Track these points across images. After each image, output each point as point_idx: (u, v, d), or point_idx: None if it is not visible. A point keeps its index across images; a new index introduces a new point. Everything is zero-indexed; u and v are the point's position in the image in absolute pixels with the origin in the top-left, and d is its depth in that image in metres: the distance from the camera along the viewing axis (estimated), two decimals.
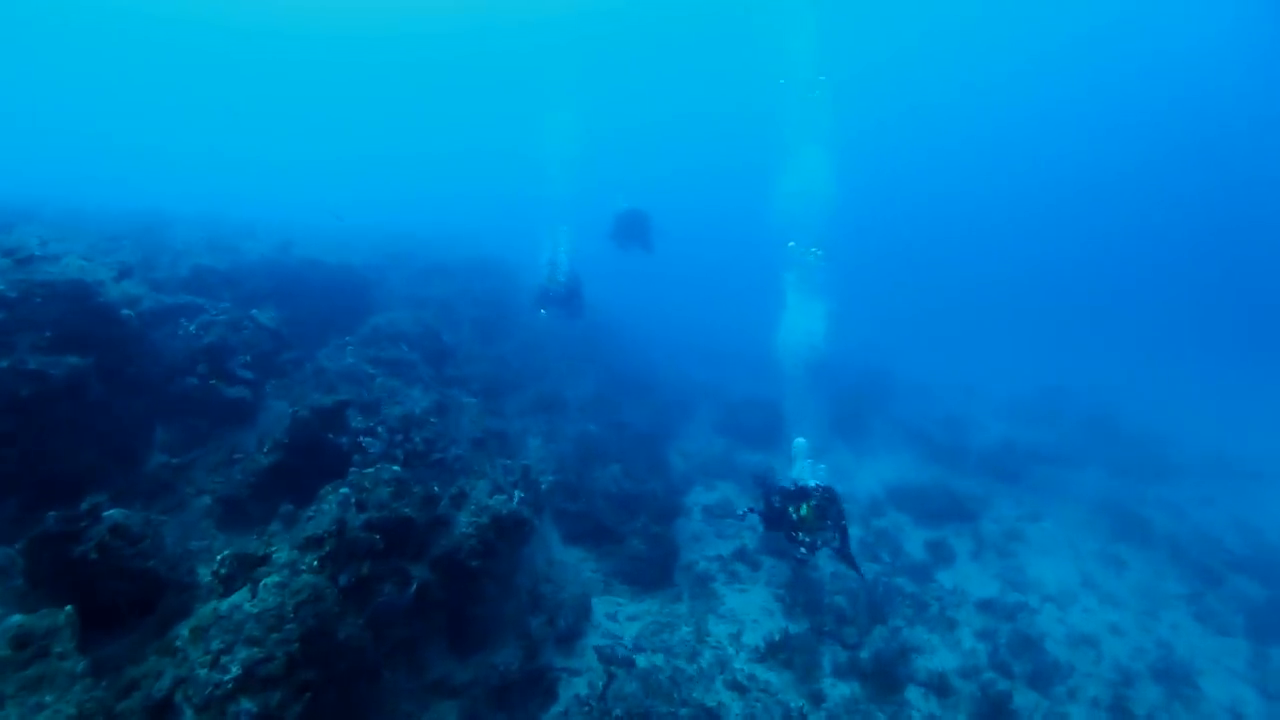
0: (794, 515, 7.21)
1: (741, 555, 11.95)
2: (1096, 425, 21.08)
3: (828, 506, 7.25)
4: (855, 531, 14.12)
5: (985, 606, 11.09)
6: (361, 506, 6.34)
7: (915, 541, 13.46)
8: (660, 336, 29.17)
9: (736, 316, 39.71)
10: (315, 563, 5.27)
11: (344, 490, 6.36)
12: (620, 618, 9.98)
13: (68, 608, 4.16)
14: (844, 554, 7.61)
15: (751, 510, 8.51)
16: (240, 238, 13.04)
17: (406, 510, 6.44)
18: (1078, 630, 10.75)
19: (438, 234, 21.67)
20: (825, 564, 12.10)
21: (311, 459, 7.57)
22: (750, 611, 10.50)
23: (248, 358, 8.38)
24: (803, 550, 7.21)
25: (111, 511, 5.11)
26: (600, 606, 10.01)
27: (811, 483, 7.49)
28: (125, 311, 6.90)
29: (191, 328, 8.32)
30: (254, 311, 9.38)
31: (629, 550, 11.04)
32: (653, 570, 10.88)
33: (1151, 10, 34.02)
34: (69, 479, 6.06)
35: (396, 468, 7.25)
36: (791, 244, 15.03)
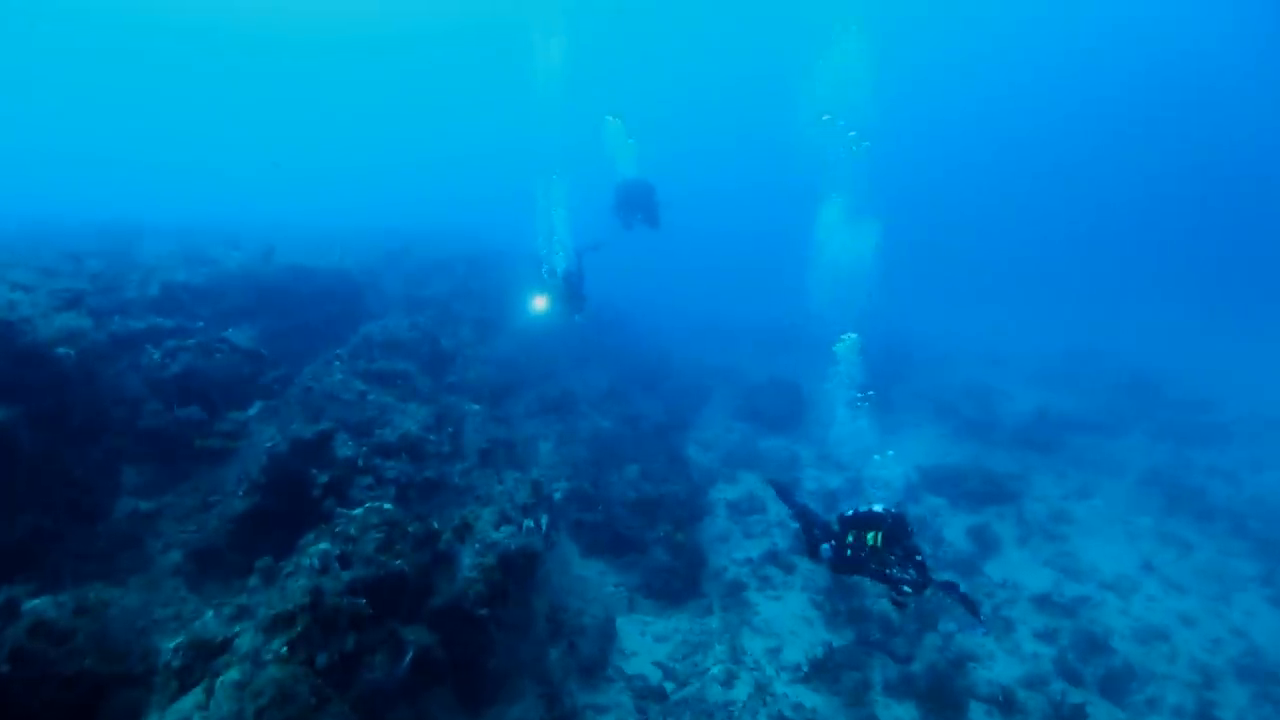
0: (865, 546, 5.84)
1: (773, 558, 11.01)
2: (1133, 388, 19.82)
3: (899, 534, 5.82)
4: None
5: (1042, 602, 10.09)
6: (345, 562, 5.40)
7: (956, 529, 12.45)
8: (671, 318, 28.05)
9: (748, 292, 38.50)
10: (284, 649, 4.34)
11: (323, 546, 5.42)
12: (648, 637, 9.10)
13: None
14: (952, 590, 5.99)
15: (820, 550, 6.49)
16: (222, 247, 12.03)
17: (398, 564, 5.49)
18: (1145, 623, 9.74)
19: (436, 229, 20.55)
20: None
21: (293, 499, 6.64)
22: (787, 622, 9.58)
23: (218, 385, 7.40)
24: (906, 589, 5.56)
25: (34, 603, 4.19)
26: (626, 627, 9.13)
27: (879, 506, 6.08)
28: (61, 350, 5.95)
29: (156, 356, 7.36)
30: (229, 332, 8.40)
31: (652, 561, 10.12)
32: (679, 581, 9.97)
33: None
34: (6, 550, 5.16)
35: (388, 505, 6.30)
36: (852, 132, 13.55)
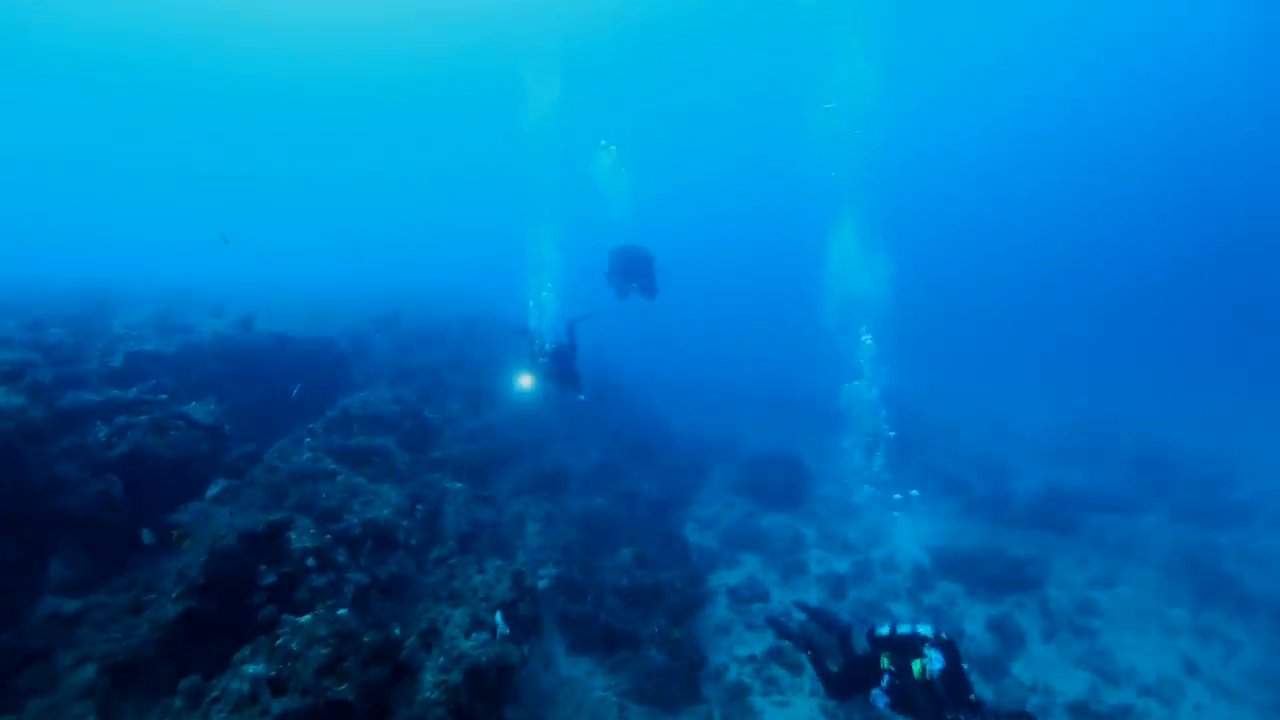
0: (906, 676, 4.81)
1: (778, 654, 9.93)
2: (1146, 462, 19.01)
3: (950, 666, 4.77)
4: (903, 610, 12.17)
5: (1079, 712, 9.00)
6: (279, 688, 4.55)
7: (975, 620, 11.40)
8: (669, 378, 27.46)
9: (749, 352, 38.12)
10: None
11: (255, 668, 4.58)
12: None
13: None
14: None
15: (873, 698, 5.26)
16: (203, 314, 11.56)
17: (342, 689, 4.63)
18: None
19: (431, 290, 20.20)
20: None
21: (238, 602, 5.80)
22: None
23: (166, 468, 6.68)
24: None
25: None
26: None
27: (925, 628, 5.09)
28: None
29: (102, 434, 6.68)
30: (190, 406, 7.74)
31: (646, 661, 9.07)
32: (675, 685, 8.89)
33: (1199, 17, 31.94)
34: None
35: (343, 611, 5.48)
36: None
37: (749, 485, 17.32)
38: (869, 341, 11.68)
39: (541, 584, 10.07)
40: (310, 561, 5.97)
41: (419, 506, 8.99)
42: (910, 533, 15.46)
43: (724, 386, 29.22)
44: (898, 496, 12.00)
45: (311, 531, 7.08)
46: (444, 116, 56.38)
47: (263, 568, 5.91)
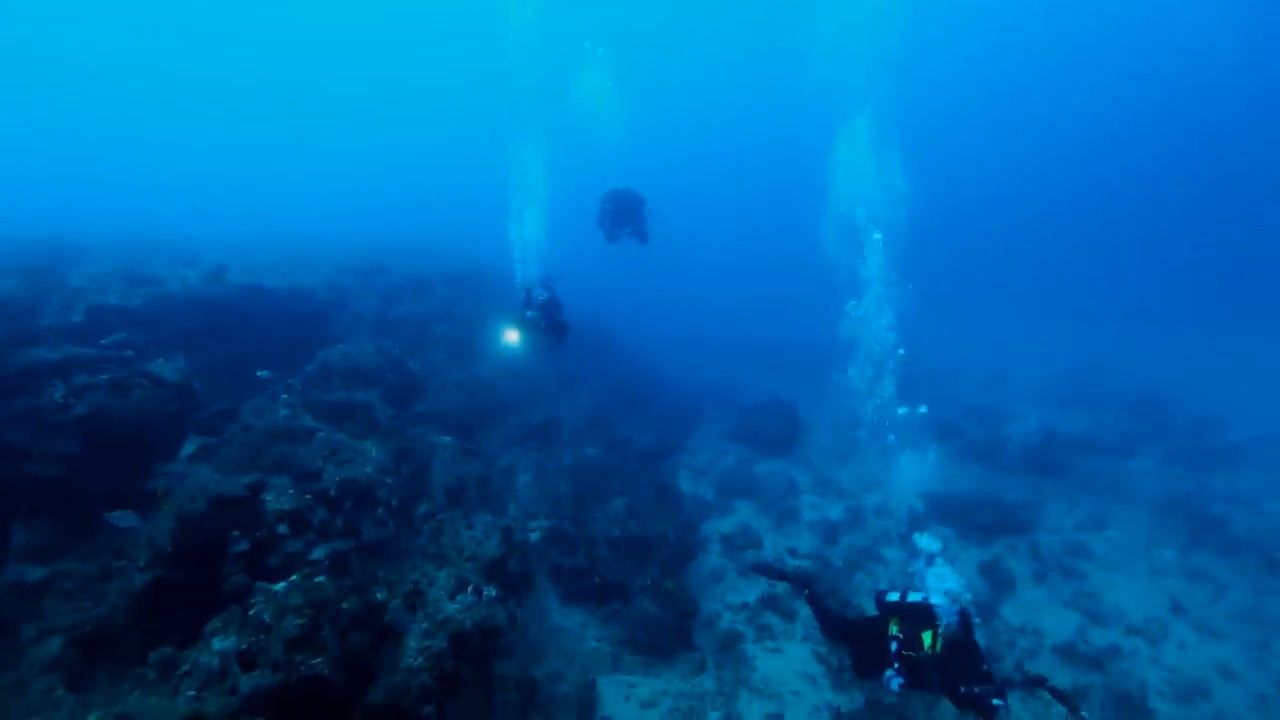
0: (916, 647, 4.63)
1: (771, 602, 9.92)
2: (1140, 406, 18.93)
3: (963, 637, 4.58)
4: (895, 555, 12.19)
5: (1067, 653, 9.06)
6: (249, 663, 4.31)
7: (967, 564, 11.41)
8: (661, 332, 27.04)
9: (741, 305, 37.54)
10: None
11: (225, 643, 4.34)
12: (634, 703, 7.99)
13: None
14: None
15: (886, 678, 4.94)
16: (173, 265, 10.96)
17: (317, 662, 4.40)
18: (1182, 676, 8.72)
19: (417, 242, 19.40)
20: (869, 604, 10.11)
21: (210, 569, 5.54)
22: (789, 680, 8.50)
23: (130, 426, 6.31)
24: (998, 703, 4.14)
25: None
26: (608, 691, 8.03)
27: (938, 598, 4.81)
28: None
29: (59, 395, 6.26)
30: (156, 363, 7.30)
31: (638, 612, 9.02)
32: (668, 635, 8.86)
33: None
34: None
35: (320, 578, 5.23)
36: None
37: (743, 432, 17.17)
38: (879, 238, 10.98)
39: (533, 537, 9.93)
40: (282, 528, 5.67)
41: (404, 464, 8.71)
42: (910, 469, 15.41)
43: (720, 334, 28.83)
44: (904, 411, 11.59)
45: (290, 492, 6.78)
46: (429, 55, 53.29)
47: (236, 533, 5.62)
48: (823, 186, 12.89)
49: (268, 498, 6.34)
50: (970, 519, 12.66)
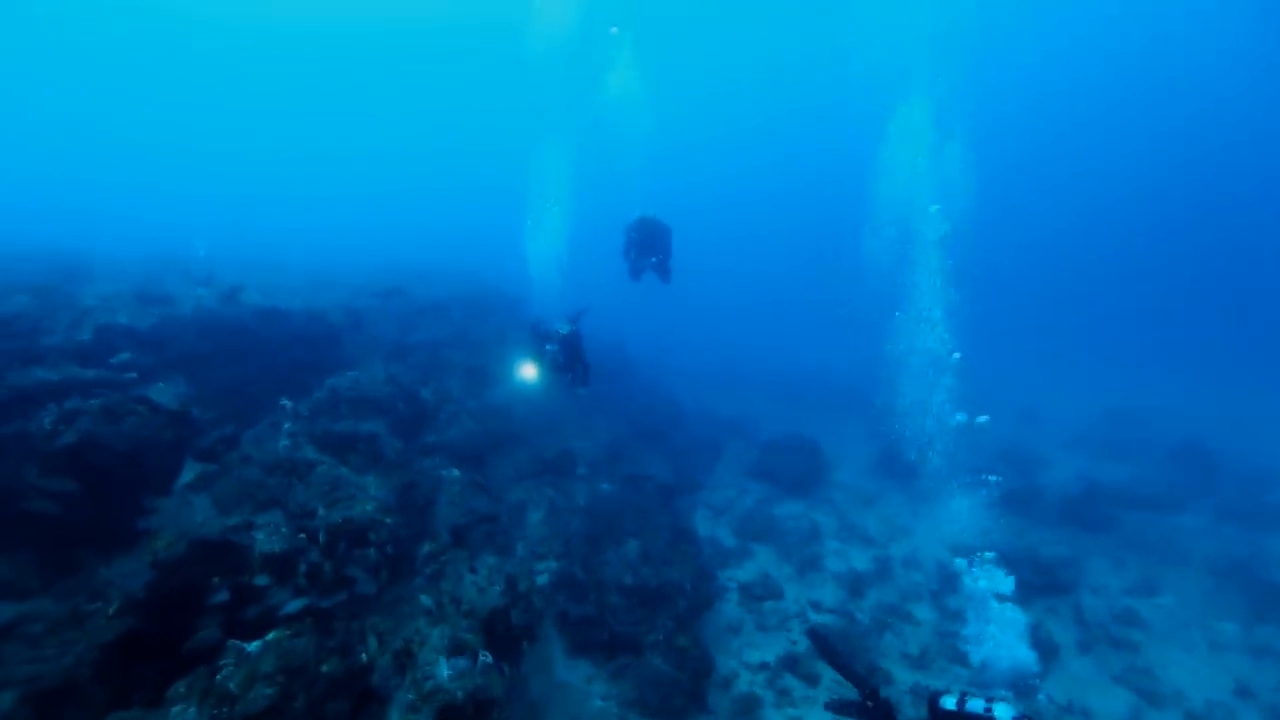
0: None
1: (792, 663, 9.16)
2: (1182, 456, 17.80)
3: None
4: (927, 615, 11.30)
5: None
6: None
7: (1007, 627, 10.49)
8: (678, 361, 26.52)
9: (759, 338, 36.89)
10: None
11: (184, 716, 3.84)
12: None
13: None
14: None
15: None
16: (188, 284, 10.79)
17: None
18: None
19: (436, 265, 19.27)
20: (898, 670, 9.30)
21: (185, 620, 5.07)
22: None
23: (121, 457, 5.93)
24: None
25: None
26: None
27: (1005, 710, 4.11)
28: None
29: (48, 421, 5.92)
30: (156, 387, 6.98)
31: (649, 669, 8.34)
32: (680, 696, 8.16)
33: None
34: None
35: (300, 639, 4.73)
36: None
37: (763, 469, 16.48)
38: (946, 228, 10.26)
39: (541, 580, 9.35)
40: (263, 579, 5.19)
41: (408, 500, 8.24)
42: (941, 517, 14.55)
43: (737, 364, 28.22)
44: (961, 418, 10.77)
45: (282, 531, 6.34)
46: (448, 78, 53.09)
47: (216, 580, 5.15)
48: (862, 190, 12.37)
49: (257, 537, 5.90)
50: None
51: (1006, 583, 7.70)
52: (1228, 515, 14.74)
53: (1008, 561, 12.05)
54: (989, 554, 8.27)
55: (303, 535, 6.46)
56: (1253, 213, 40.40)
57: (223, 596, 4.94)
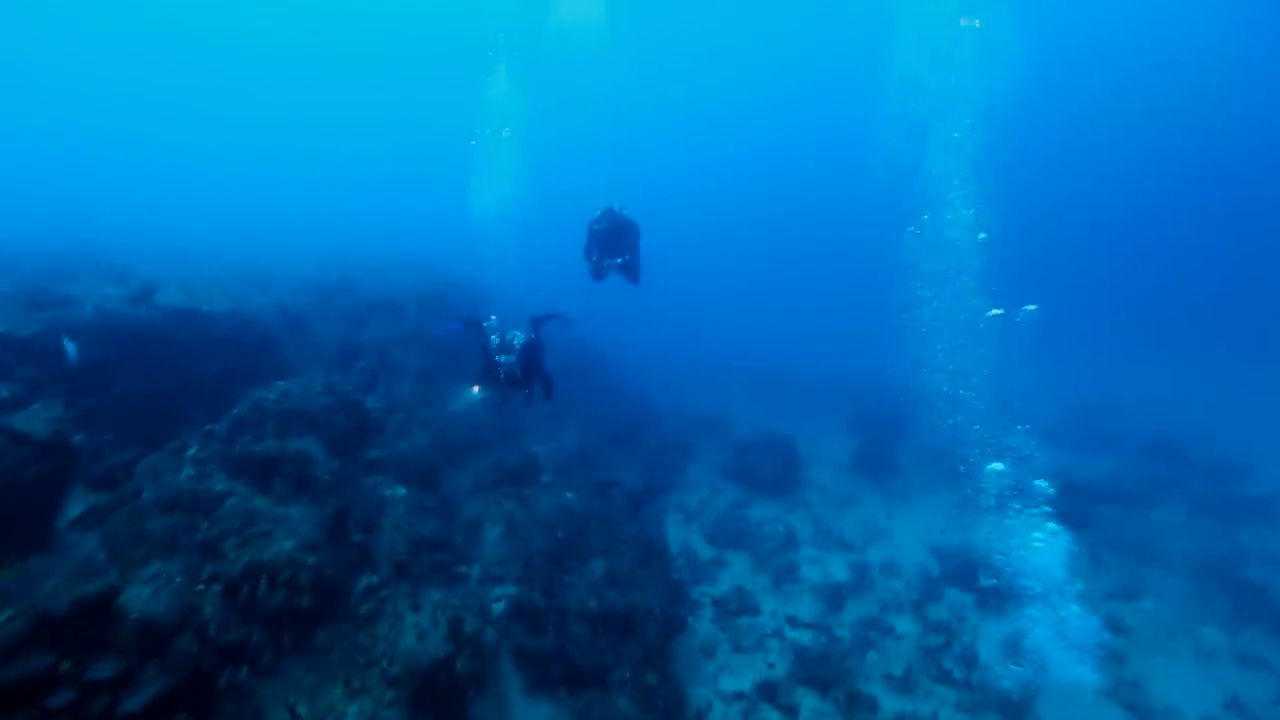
0: None
1: (769, 693, 8.43)
2: (1156, 449, 17.60)
3: None
4: (909, 627, 10.65)
5: None
6: None
7: (990, 639, 9.97)
8: (648, 355, 25.56)
9: (733, 328, 36.11)
10: None
11: None
12: None
13: None
14: None
15: None
16: (97, 281, 9.48)
17: None
18: None
19: (388, 257, 17.87)
20: (883, 696, 8.63)
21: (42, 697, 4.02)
22: None
23: None
24: None
25: None
26: None
27: None
28: None
29: None
30: (21, 414, 5.81)
31: (614, 710, 7.51)
32: None
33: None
34: None
35: None
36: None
37: (738, 469, 15.75)
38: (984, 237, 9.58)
39: (497, 607, 8.43)
40: (103, 669, 4.15)
41: (343, 529, 7.22)
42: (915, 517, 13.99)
43: (710, 357, 27.42)
44: (998, 311, 9.90)
45: (176, 582, 5.30)
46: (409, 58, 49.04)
47: (66, 665, 4.11)
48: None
49: (140, 595, 4.85)
50: (989, 583, 11.21)
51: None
52: (1201, 509, 14.49)
53: (987, 564, 11.56)
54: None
55: (200, 587, 5.43)
56: (1226, 204, 40.56)
57: (66, 698, 3.90)
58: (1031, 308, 9.45)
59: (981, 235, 10.01)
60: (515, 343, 7.17)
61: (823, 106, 46.00)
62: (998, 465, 9.72)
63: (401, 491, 8.77)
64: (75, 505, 6.49)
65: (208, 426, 7.45)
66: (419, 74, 49.04)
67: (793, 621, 10.19)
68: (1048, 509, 9.13)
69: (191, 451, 6.72)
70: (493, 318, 7.43)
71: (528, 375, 7.20)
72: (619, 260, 8.75)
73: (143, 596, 4.97)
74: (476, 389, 6.84)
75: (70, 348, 6.60)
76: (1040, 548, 9.05)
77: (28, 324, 7.49)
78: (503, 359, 7.03)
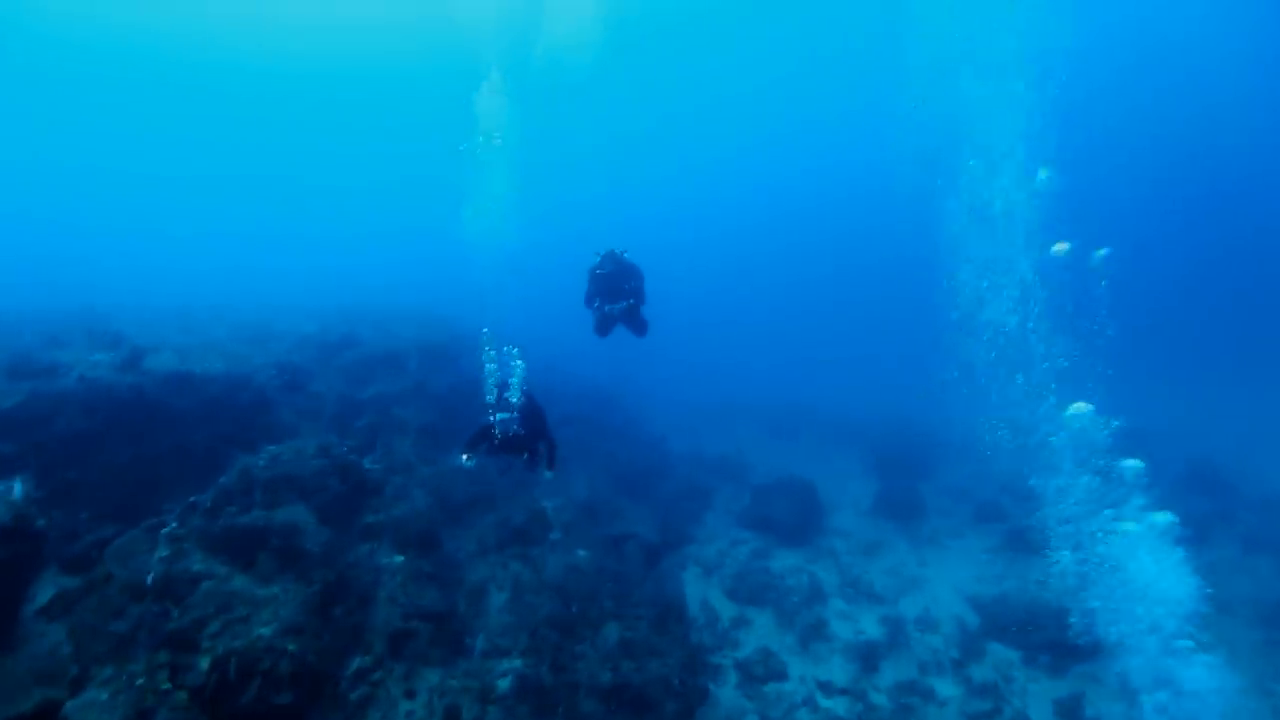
0: None
1: None
2: (1194, 481, 16.59)
3: None
4: (951, 690, 9.73)
5: None
6: None
7: (1040, 702, 9.04)
8: (659, 395, 24.97)
9: (745, 365, 35.49)
10: None
11: None
12: None
13: None
14: None
15: None
16: (88, 348, 9.21)
17: None
18: None
19: (398, 308, 17.69)
20: None
21: None
22: None
23: None
24: None
25: None
26: None
27: None
28: None
29: None
30: None
31: None
32: None
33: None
34: None
35: None
36: None
37: (757, 516, 14.94)
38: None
39: (502, 684, 7.72)
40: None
41: (333, 606, 6.64)
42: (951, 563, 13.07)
43: (728, 402, 26.72)
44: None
45: (138, 684, 4.74)
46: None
47: None
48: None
49: (85, 704, 4.29)
50: (1035, 635, 10.30)
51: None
52: (1255, 546, 13.47)
53: (1037, 614, 10.64)
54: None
55: (166, 687, 4.86)
56: (1227, 206, 39.18)
57: None
58: (1103, 251, 8.66)
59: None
60: (513, 398, 6.69)
61: (834, 127, 45.42)
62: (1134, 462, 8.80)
63: (399, 559, 8.19)
64: (45, 590, 6.02)
65: (191, 499, 6.98)
66: (413, 129, 49.08)
67: (825, 688, 9.32)
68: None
69: (168, 529, 6.24)
70: (485, 329, 6.92)
71: (531, 435, 6.68)
72: (622, 305, 8.26)
73: (98, 703, 4.41)
74: (466, 457, 6.31)
75: (17, 488, 6.13)
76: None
77: (7, 396, 7.15)
78: (499, 417, 6.54)
